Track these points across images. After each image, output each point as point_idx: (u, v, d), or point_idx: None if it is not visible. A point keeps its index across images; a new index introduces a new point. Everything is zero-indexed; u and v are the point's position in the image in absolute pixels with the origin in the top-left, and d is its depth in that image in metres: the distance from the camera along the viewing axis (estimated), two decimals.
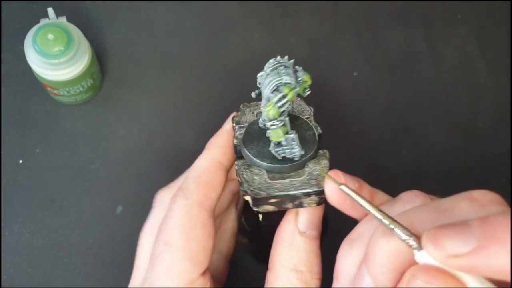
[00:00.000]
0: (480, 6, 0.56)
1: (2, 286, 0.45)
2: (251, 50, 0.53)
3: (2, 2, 0.51)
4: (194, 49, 0.53)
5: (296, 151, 0.31)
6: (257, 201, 0.31)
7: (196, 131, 0.50)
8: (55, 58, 0.43)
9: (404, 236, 0.24)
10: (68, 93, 0.46)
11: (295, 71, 0.29)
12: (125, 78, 0.51)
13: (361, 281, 0.27)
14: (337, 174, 0.30)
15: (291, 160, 0.32)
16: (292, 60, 0.30)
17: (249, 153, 0.32)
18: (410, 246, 0.24)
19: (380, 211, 0.25)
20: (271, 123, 0.30)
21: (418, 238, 0.24)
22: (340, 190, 0.28)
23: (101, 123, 0.50)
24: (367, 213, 0.27)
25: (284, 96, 0.28)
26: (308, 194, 0.31)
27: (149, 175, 0.49)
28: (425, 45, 0.55)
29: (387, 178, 0.41)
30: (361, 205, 0.26)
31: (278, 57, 0.30)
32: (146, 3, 0.53)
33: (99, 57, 0.50)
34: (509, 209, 0.26)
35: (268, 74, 0.29)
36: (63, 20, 0.45)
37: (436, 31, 0.55)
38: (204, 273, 0.34)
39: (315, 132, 0.33)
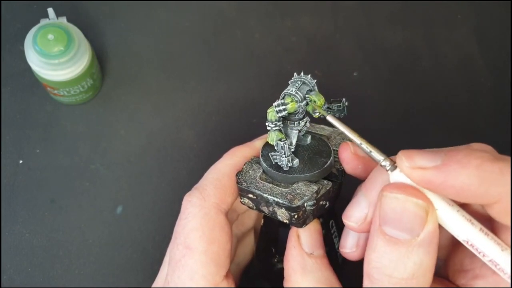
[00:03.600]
0: (480, 6, 0.56)
1: (2, 286, 0.45)
2: (251, 50, 0.53)
3: (2, 2, 0.51)
4: (194, 49, 0.53)
5: (283, 160, 0.32)
6: (240, 190, 0.33)
7: (196, 131, 0.50)
8: (55, 58, 0.43)
9: (380, 158, 0.28)
10: (68, 93, 0.46)
11: (310, 90, 0.32)
12: (125, 78, 0.51)
13: (358, 202, 0.30)
14: (347, 145, 0.32)
15: (288, 171, 0.33)
16: (314, 81, 0.32)
17: (261, 151, 0.34)
18: (386, 168, 0.28)
19: (360, 137, 0.29)
20: (268, 124, 0.32)
21: (393, 162, 0.28)
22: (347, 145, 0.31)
23: (101, 123, 0.50)
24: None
25: (283, 104, 0.31)
26: (279, 205, 0.32)
27: (149, 175, 0.49)
28: (425, 45, 0.55)
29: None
30: (344, 133, 0.29)
31: (302, 73, 0.32)
32: (146, 3, 0.53)
33: (99, 57, 0.50)
34: (499, 155, 0.28)
35: (289, 84, 0.32)
36: (63, 20, 0.45)
37: (436, 31, 0.55)
38: (227, 275, 0.34)
39: (331, 162, 0.33)
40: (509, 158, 0.25)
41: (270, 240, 0.39)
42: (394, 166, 0.27)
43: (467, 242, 0.26)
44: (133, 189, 0.48)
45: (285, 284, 0.33)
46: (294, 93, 0.31)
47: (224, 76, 0.52)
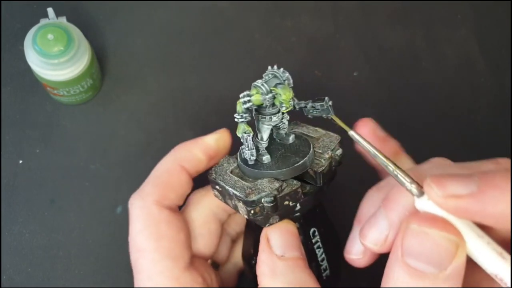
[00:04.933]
0: (480, 6, 0.56)
1: (2, 286, 0.45)
2: (251, 50, 0.53)
3: (2, 2, 0.51)
4: (194, 49, 0.53)
5: (247, 153, 0.32)
6: (210, 181, 0.34)
7: (196, 131, 0.50)
8: (55, 58, 0.43)
9: (406, 183, 0.26)
10: (68, 93, 0.46)
11: (280, 84, 0.31)
12: (125, 78, 0.51)
13: (378, 222, 0.28)
14: (366, 122, 0.31)
15: (255, 165, 0.32)
16: (286, 74, 0.31)
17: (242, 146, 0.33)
18: (412, 193, 0.25)
19: (386, 157, 0.27)
20: (235, 115, 0.31)
21: (421, 187, 0.25)
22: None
23: (101, 123, 0.50)
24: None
25: (249, 95, 0.31)
26: (238, 198, 0.31)
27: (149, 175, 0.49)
28: (425, 45, 0.55)
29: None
30: (368, 151, 0.27)
31: (275, 67, 0.31)
32: (146, 3, 0.53)
33: (99, 57, 0.50)
34: None
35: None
36: (63, 20, 0.45)
37: (436, 31, 0.55)
38: (190, 268, 0.33)
39: (304, 162, 0.32)
40: None
41: (250, 240, 0.38)
42: (421, 192, 0.25)
43: (496, 276, 0.25)
44: (133, 189, 0.48)
45: None
46: (259, 84, 0.31)
47: (224, 76, 0.52)
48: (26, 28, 0.44)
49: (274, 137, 0.34)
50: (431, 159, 0.32)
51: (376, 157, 0.27)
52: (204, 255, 0.37)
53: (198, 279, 0.33)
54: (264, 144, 0.33)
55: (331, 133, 0.35)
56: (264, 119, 0.32)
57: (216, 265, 0.41)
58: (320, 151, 0.34)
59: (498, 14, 0.56)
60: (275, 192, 0.31)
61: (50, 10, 0.45)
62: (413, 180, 0.26)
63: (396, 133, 0.52)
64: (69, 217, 0.47)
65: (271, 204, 0.31)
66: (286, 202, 0.32)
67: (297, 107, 0.33)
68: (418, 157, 0.51)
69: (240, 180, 0.32)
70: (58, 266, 0.46)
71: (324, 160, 0.33)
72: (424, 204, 0.25)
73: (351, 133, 0.29)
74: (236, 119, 0.31)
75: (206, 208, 0.37)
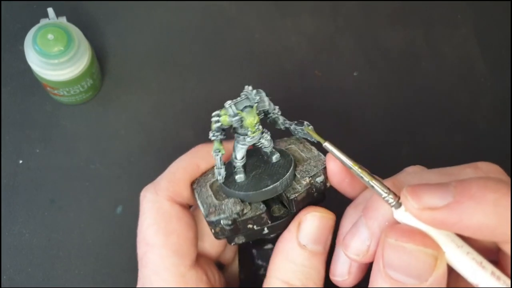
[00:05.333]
0: (480, 6, 0.56)
1: (2, 286, 0.45)
2: (251, 50, 0.53)
3: (2, 2, 0.51)
4: (194, 49, 0.53)
5: (215, 172, 0.32)
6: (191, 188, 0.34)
7: (196, 131, 0.50)
8: (55, 58, 0.43)
9: (383, 194, 0.25)
10: (68, 93, 0.46)
11: (250, 106, 0.30)
12: (125, 78, 0.51)
13: (359, 232, 0.27)
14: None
15: (227, 184, 0.32)
16: (257, 97, 0.30)
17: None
18: (390, 204, 0.25)
19: (361, 168, 0.26)
20: (209, 132, 0.31)
21: (398, 197, 0.25)
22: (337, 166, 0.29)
23: (101, 123, 0.50)
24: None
25: (218, 115, 0.30)
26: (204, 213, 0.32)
27: (149, 175, 0.48)
28: (425, 45, 0.55)
29: (387, 178, 0.40)
30: (343, 162, 0.27)
31: (250, 88, 0.31)
32: (146, 3, 0.53)
33: (99, 57, 0.50)
34: (509, 179, 0.27)
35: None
36: (63, 20, 0.45)
37: (436, 31, 0.55)
38: (196, 266, 0.33)
39: (274, 187, 0.31)
40: None
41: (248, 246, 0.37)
42: (398, 203, 0.25)
43: (477, 285, 0.24)
44: (133, 189, 0.48)
45: (270, 261, 0.32)
46: (227, 106, 0.30)
47: (224, 76, 0.52)
48: (26, 28, 0.44)
49: (262, 153, 0.33)
50: (406, 168, 0.31)
51: (351, 168, 0.27)
52: (210, 254, 0.37)
53: (203, 278, 0.34)
54: (239, 163, 0.32)
55: (323, 156, 0.33)
56: (239, 138, 0.31)
57: (221, 266, 0.41)
58: (298, 176, 0.32)
59: (498, 14, 0.56)
60: (235, 216, 0.30)
61: (50, 10, 0.45)
62: (390, 191, 0.25)
63: (396, 133, 0.52)
64: (69, 217, 0.47)
65: (229, 227, 0.30)
66: (250, 226, 0.31)
67: (282, 127, 0.33)
68: (418, 157, 0.51)
69: (212, 196, 0.32)
70: (58, 266, 0.46)
71: (301, 186, 0.31)
72: (402, 215, 0.25)
73: (325, 144, 0.28)
74: (209, 137, 0.31)
75: None
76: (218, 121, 0.30)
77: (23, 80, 0.49)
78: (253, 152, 0.34)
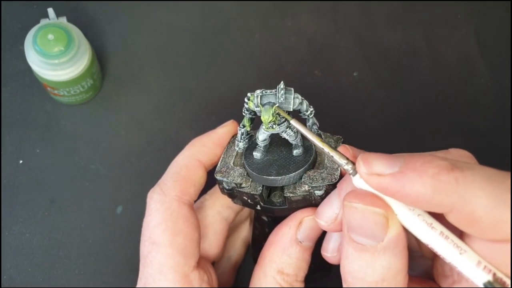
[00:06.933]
0: (480, 6, 0.56)
1: (2, 286, 0.45)
2: (251, 50, 0.53)
3: (2, 2, 0.51)
4: (194, 49, 0.53)
5: (236, 142, 0.35)
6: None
7: (196, 131, 0.50)
8: (55, 58, 0.43)
9: (342, 163, 0.28)
10: (68, 93, 0.46)
11: (269, 103, 0.31)
12: (125, 78, 0.51)
13: (331, 202, 0.30)
14: (346, 149, 0.32)
15: (248, 157, 0.34)
16: (282, 98, 0.31)
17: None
18: (348, 172, 0.28)
19: (322, 141, 0.28)
20: (243, 109, 0.33)
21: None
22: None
23: (101, 123, 0.50)
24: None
25: (248, 98, 0.32)
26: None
27: (149, 175, 0.49)
28: (425, 45, 0.55)
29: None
30: (308, 138, 0.29)
31: (282, 85, 0.32)
32: (146, 3, 0.53)
33: (99, 57, 0.50)
34: (476, 163, 0.29)
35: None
36: (63, 20, 0.45)
37: (436, 31, 0.55)
38: (198, 267, 0.34)
39: (274, 179, 0.32)
40: (470, 165, 0.25)
41: (259, 230, 0.39)
42: (355, 171, 0.27)
43: (428, 245, 0.26)
44: (133, 189, 0.48)
45: (263, 249, 0.34)
46: (255, 95, 0.31)
47: (224, 76, 0.52)
48: (26, 28, 0.44)
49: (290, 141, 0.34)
50: (451, 149, 0.33)
51: (314, 142, 0.29)
52: (208, 255, 0.38)
53: (204, 278, 0.34)
54: (260, 143, 0.33)
55: (337, 171, 0.32)
56: (263, 123, 0.32)
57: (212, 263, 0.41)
58: (303, 179, 0.32)
59: (498, 14, 0.56)
60: (233, 185, 0.33)
61: (50, 10, 0.45)
62: (349, 161, 0.28)
63: (396, 133, 0.52)
64: (69, 217, 0.47)
65: (227, 192, 0.34)
66: (245, 198, 0.34)
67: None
68: None
69: (233, 157, 0.35)
70: (58, 266, 0.46)
71: (299, 190, 0.32)
72: (358, 181, 0.27)
73: (292, 121, 0.30)
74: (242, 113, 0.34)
75: (213, 208, 0.38)
76: (246, 103, 0.32)
77: (23, 80, 0.50)
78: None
